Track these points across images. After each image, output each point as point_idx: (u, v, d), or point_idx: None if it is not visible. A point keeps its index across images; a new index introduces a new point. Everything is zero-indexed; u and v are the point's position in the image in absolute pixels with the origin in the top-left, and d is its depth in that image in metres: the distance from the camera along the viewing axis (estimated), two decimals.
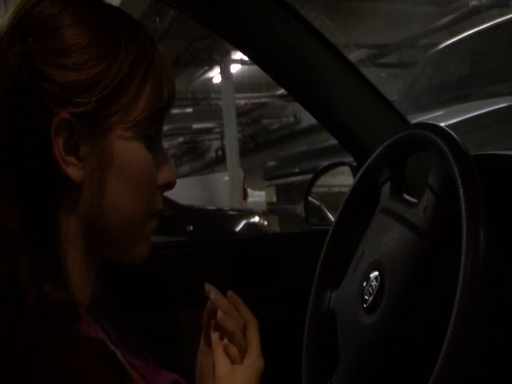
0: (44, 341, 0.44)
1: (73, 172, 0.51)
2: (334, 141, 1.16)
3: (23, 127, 0.48)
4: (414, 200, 0.71)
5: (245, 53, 1.02)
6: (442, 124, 0.67)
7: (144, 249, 0.59)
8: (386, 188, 0.78)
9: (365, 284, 0.70)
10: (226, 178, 9.63)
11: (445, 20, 6.75)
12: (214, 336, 0.71)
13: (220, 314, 0.70)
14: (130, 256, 0.59)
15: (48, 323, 0.45)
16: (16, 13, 0.52)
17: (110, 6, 0.55)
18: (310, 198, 1.45)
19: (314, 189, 1.42)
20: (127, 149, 0.53)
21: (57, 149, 0.49)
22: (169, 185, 0.61)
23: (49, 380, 0.42)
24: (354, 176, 1.15)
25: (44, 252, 0.48)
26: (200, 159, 19.27)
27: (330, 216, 1.55)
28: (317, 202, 1.58)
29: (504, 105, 2.79)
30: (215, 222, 5.40)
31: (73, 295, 0.50)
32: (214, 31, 0.96)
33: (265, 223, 5.11)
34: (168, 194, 0.68)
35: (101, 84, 0.51)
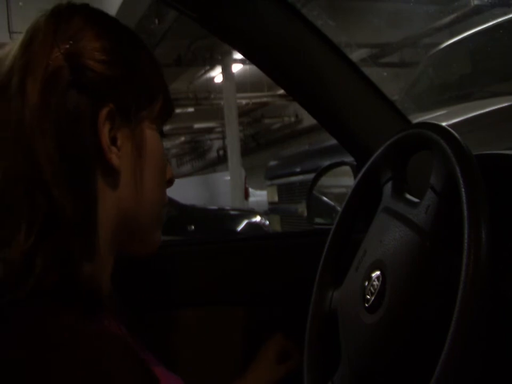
0: (79, 338, 0.44)
1: (115, 160, 0.54)
2: (335, 141, 1.16)
3: (75, 119, 0.51)
4: (415, 200, 0.71)
5: (245, 55, 1.01)
6: (444, 124, 0.67)
7: (159, 238, 0.63)
8: (388, 188, 0.78)
9: (366, 283, 0.70)
10: (228, 177, 9.63)
11: (446, 19, 6.74)
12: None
13: None
14: (149, 244, 0.62)
15: (77, 314, 0.46)
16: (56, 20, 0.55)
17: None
18: (314, 196, 1.46)
19: (331, 190, 1.43)
20: (153, 139, 0.60)
21: (104, 138, 0.53)
22: (171, 181, 0.65)
23: (84, 378, 0.42)
24: (355, 176, 1.16)
25: (83, 238, 0.50)
26: (202, 158, 19.28)
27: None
28: (331, 202, 1.58)
29: (506, 104, 2.79)
30: (216, 221, 5.40)
31: (101, 283, 0.51)
32: (213, 33, 0.96)
33: (267, 222, 5.11)
34: (170, 193, 0.69)
35: (137, 80, 0.58)
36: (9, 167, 0.49)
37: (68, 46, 0.53)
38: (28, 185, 0.48)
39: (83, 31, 0.55)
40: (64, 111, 0.51)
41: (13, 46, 0.57)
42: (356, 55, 7.53)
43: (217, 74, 11.78)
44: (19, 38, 0.58)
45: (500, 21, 3.47)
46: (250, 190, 9.15)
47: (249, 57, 1.01)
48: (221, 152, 16.33)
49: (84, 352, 0.43)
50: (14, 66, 0.54)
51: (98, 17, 0.59)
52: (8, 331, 0.45)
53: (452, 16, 6.64)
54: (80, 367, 0.42)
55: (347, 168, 1.27)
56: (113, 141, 0.55)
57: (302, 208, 4.16)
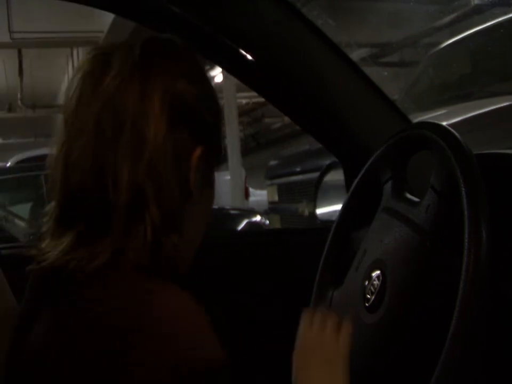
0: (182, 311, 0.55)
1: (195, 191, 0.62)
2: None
3: (176, 157, 0.59)
4: (416, 199, 0.71)
5: (247, 52, 1.01)
6: (444, 123, 0.67)
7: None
8: (388, 187, 0.78)
9: (366, 282, 0.70)
10: (228, 177, 9.62)
11: (446, 19, 6.73)
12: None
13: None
14: (182, 270, 0.69)
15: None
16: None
17: None
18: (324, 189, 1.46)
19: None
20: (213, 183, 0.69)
21: (193, 174, 0.61)
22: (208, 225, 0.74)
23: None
24: (346, 179, 1.17)
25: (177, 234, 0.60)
26: None
27: None
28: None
29: (506, 104, 2.79)
30: (216, 221, 5.39)
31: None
32: (216, 31, 0.96)
33: (267, 222, 5.11)
34: None
35: (220, 126, 0.68)
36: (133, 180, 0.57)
37: (181, 86, 0.60)
38: (148, 194, 0.57)
39: (193, 72, 0.64)
40: (170, 151, 0.58)
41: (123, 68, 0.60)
42: (356, 55, 7.52)
43: (217, 74, 11.77)
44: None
45: (500, 21, 3.47)
46: (251, 189, 9.15)
47: (251, 56, 1.01)
48: None
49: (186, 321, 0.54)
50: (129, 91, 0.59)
51: (197, 60, 0.66)
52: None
53: (452, 16, 6.63)
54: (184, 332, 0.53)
55: None
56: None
57: (302, 208, 4.16)
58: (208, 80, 0.66)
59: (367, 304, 0.68)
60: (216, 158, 0.67)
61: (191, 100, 0.61)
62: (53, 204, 0.61)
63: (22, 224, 3.37)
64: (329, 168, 1.44)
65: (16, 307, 0.71)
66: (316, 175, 3.82)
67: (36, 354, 0.57)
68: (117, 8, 1.08)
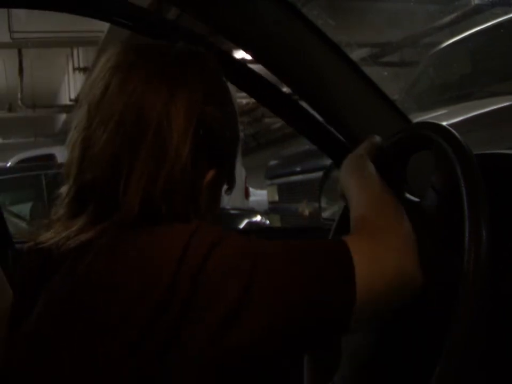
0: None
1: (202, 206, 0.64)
2: None
3: (192, 174, 0.60)
4: (416, 199, 0.71)
5: (248, 52, 1.02)
6: (444, 123, 0.67)
7: None
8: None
9: None
10: None
11: (447, 19, 6.73)
12: None
13: None
14: None
15: None
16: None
17: None
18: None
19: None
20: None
21: (203, 192, 0.63)
22: None
23: None
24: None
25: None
26: None
27: None
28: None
29: (506, 104, 2.78)
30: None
31: None
32: (217, 31, 0.96)
33: (267, 222, 5.11)
34: None
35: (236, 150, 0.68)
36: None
37: (210, 107, 0.61)
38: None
39: (221, 92, 0.65)
40: (191, 161, 0.59)
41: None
42: (356, 54, 7.52)
43: None
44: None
45: (501, 21, 3.46)
46: (251, 189, 9.14)
47: (252, 55, 1.01)
48: None
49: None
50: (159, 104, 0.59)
51: (224, 79, 0.67)
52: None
53: (452, 16, 6.62)
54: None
55: None
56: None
57: (302, 208, 4.16)
58: (233, 103, 0.67)
59: None
60: (228, 181, 0.68)
61: (217, 123, 0.62)
62: (65, 188, 0.62)
63: (22, 224, 3.37)
64: (333, 166, 1.44)
65: None
66: (316, 175, 3.82)
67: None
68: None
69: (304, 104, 1.08)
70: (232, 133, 0.65)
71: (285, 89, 1.11)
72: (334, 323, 0.56)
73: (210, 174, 0.63)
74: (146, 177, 0.58)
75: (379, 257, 0.57)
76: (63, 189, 0.63)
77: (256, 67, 1.04)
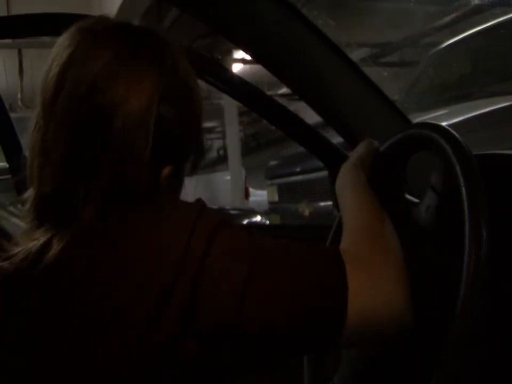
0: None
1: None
2: (335, 140, 1.16)
3: (149, 167, 0.60)
4: (416, 200, 0.71)
5: (247, 53, 1.02)
6: (444, 123, 0.67)
7: None
8: (388, 188, 0.77)
9: None
10: (228, 177, 9.62)
11: (447, 19, 6.73)
12: None
13: None
14: None
15: None
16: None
17: None
18: None
19: None
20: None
21: (162, 182, 0.63)
22: None
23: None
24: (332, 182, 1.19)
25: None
26: None
27: None
28: None
29: (506, 104, 2.78)
30: None
31: None
32: (217, 31, 0.96)
33: (267, 222, 5.11)
34: None
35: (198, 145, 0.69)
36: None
37: (167, 105, 0.60)
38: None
39: (183, 86, 0.63)
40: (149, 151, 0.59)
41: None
42: (356, 55, 7.52)
43: None
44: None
45: (501, 21, 3.46)
46: (251, 189, 9.15)
47: (252, 55, 1.01)
48: (221, 152, 16.32)
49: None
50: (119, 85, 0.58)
51: (192, 70, 0.67)
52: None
53: (452, 16, 6.62)
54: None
55: None
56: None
57: (302, 208, 4.16)
58: (195, 99, 0.65)
59: None
60: (190, 170, 0.68)
61: (173, 124, 0.61)
62: (29, 192, 0.61)
63: (22, 224, 3.36)
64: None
65: None
66: (316, 175, 3.82)
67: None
68: None
69: (303, 105, 1.08)
70: (189, 132, 0.64)
71: (285, 89, 1.11)
72: (323, 323, 0.55)
73: (167, 170, 0.62)
74: (104, 182, 0.57)
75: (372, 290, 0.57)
76: (28, 193, 0.62)
77: (256, 67, 1.04)
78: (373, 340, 0.59)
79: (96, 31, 0.60)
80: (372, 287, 0.56)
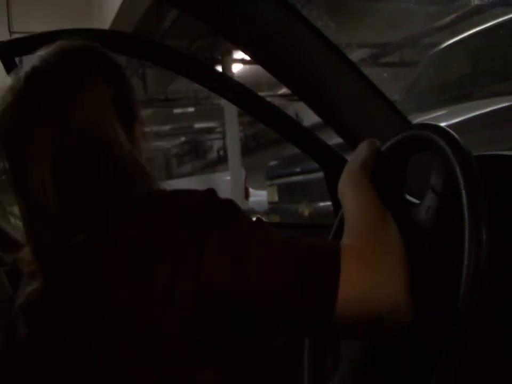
0: None
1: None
2: (334, 141, 1.16)
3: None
4: (416, 201, 0.71)
5: (247, 53, 1.02)
6: (444, 124, 0.67)
7: None
8: (388, 188, 0.77)
9: None
10: (228, 177, 9.62)
11: (447, 19, 6.73)
12: None
13: None
14: None
15: None
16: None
17: None
18: None
19: None
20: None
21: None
22: None
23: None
24: (327, 183, 1.21)
25: None
26: (202, 158, 19.27)
27: None
28: None
29: (506, 104, 2.78)
30: None
31: None
32: (217, 31, 0.96)
33: None
34: None
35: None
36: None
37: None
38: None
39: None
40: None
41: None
42: (356, 55, 7.52)
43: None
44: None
45: (501, 21, 3.46)
46: (251, 189, 9.15)
47: (252, 56, 1.01)
48: (221, 152, 16.33)
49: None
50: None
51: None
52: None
53: (452, 16, 6.63)
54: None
55: None
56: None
57: (302, 208, 4.16)
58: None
59: None
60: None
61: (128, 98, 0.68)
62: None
63: (21, 224, 3.36)
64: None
65: (13, 299, 0.71)
66: (316, 175, 3.82)
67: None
68: None
69: (303, 105, 1.09)
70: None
71: (285, 89, 1.11)
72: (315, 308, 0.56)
73: (137, 130, 0.69)
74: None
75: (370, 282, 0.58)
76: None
77: (256, 67, 1.04)
78: (370, 332, 0.60)
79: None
80: (371, 278, 0.56)
